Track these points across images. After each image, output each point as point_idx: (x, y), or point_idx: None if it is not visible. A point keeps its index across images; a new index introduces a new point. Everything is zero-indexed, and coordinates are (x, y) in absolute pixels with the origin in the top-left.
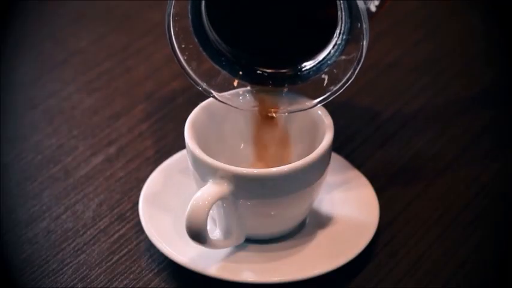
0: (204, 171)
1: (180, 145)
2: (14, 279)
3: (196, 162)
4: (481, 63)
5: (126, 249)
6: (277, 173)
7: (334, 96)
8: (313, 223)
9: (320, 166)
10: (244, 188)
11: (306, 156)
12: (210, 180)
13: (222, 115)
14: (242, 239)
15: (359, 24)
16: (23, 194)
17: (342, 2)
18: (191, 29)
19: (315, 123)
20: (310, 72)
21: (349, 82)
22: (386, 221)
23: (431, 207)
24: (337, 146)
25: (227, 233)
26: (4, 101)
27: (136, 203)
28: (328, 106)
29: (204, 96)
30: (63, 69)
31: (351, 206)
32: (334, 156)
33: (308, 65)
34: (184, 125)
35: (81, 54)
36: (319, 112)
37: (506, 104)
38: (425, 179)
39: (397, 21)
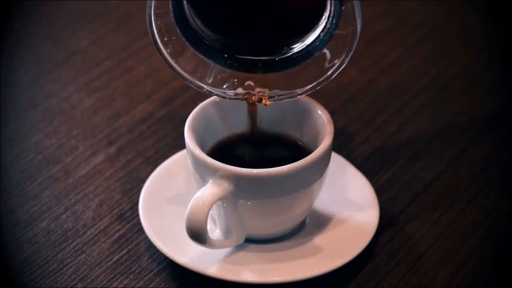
0: (204, 171)
1: (180, 145)
2: (14, 279)
3: (196, 162)
4: (481, 63)
5: (126, 249)
6: (277, 173)
7: (325, 83)
8: (313, 223)
9: (320, 166)
10: (244, 188)
11: (306, 157)
12: (210, 180)
13: (222, 115)
14: (242, 239)
15: (350, 7)
16: (23, 194)
17: None
18: (173, 20)
19: (315, 123)
20: (300, 57)
21: (342, 68)
22: (386, 221)
23: (432, 207)
24: (337, 146)
25: (227, 233)
26: (4, 101)
27: (136, 203)
28: (328, 106)
29: (204, 96)
30: (63, 69)
31: (351, 206)
32: (334, 156)
33: (297, 48)
34: (184, 125)
35: (81, 54)
36: (319, 112)
37: (506, 104)
38: (426, 178)
39: (397, 21)
